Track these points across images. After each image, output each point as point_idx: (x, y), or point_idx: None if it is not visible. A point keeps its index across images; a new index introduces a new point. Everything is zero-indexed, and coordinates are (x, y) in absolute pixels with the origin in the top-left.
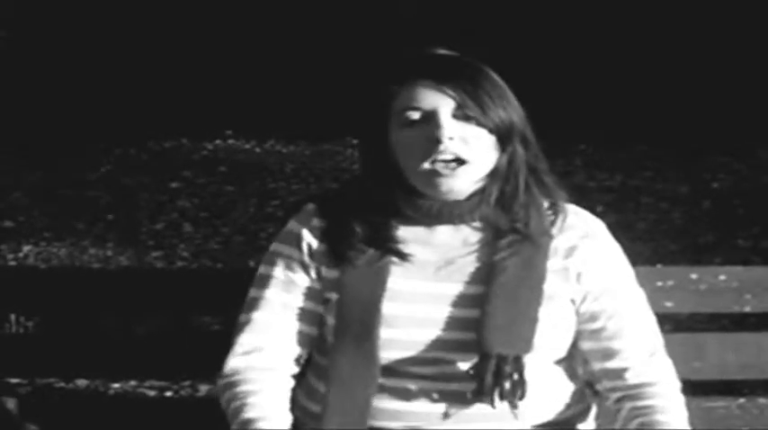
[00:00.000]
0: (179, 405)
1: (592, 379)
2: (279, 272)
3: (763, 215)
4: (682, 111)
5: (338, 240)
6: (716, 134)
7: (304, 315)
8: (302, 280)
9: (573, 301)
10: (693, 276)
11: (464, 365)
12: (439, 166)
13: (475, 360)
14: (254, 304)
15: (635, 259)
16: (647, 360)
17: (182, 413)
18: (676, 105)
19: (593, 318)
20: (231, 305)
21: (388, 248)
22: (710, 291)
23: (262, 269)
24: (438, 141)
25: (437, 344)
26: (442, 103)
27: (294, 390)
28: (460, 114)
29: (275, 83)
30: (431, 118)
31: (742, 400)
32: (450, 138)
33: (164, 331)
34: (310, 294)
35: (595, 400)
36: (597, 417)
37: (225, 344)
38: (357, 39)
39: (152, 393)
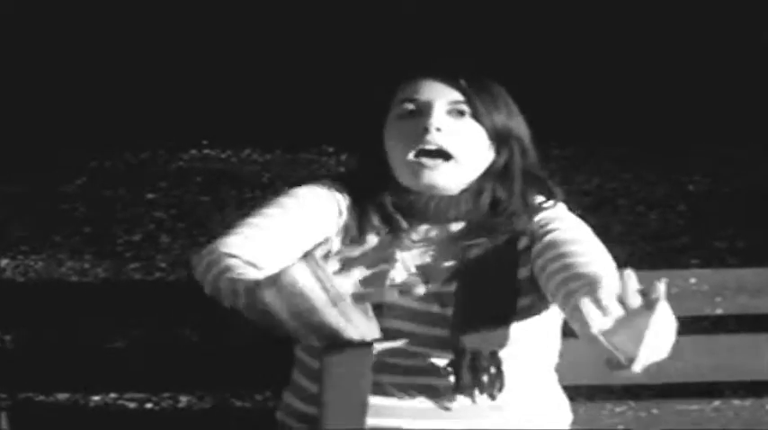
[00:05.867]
0: (160, 416)
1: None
2: (307, 192)
3: (739, 217)
4: (657, 115)
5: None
6: (691, 137)
7: (306, 233)
8: (307, 216)
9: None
10: (664, 280)
11: (441, 361)
12: (423, 159)
13: (451, 357)
14: (269, 205)
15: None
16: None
17: (162, 425)
18: (652, 109)
19: (550, 246)
20: (210, 316)
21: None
22: (681, 294)
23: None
24: (425, 130)
25: (418, 339)
26: (438, 97)
27: (282, 394)
28: (455, 110)
29: (250, 92)
30: (424, 110)
31: (717, 403)
32: (438, 129)
33: (143, 343)
34: (318, 226)
35: (572, 406)
36: (573, 423)
37: (204, 355)
38: (336, 45)
39: (132, 405)
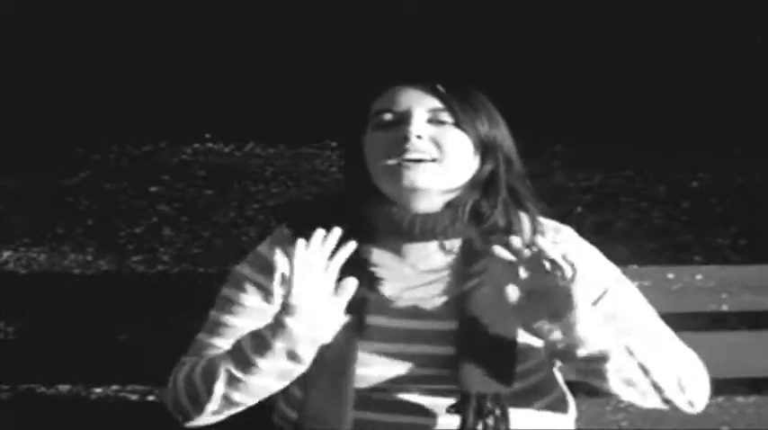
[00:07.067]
0: (161, 409)
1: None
2: (243, 298)
3: (741, 214)
4: (659, 111)
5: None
6: (693, 134)
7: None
8: (266, 308)
9: None
10: (670, 276)
11: (440, 400)
12: (404, 163)
13: (454, 398)
14: (214, 328)
15: (613, 259)
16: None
17: (164, 417)
18: (654, 105)
19: (608, 319)
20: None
21: (363, 274)
22: (687, 290)
23: (225, 291)
24: (405, 139)
25: (413, 380)
26: (417, 105)
27: (276, 398)
28: (436, 118)
29: (254, 86)
30: (403, 119)
31: (720, 399)
32: (419, 137)
33: (145, 335)
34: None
35: (576, 404)
36: (577, 420)
37: None
38: (337, 41)
39: (134, 397)
